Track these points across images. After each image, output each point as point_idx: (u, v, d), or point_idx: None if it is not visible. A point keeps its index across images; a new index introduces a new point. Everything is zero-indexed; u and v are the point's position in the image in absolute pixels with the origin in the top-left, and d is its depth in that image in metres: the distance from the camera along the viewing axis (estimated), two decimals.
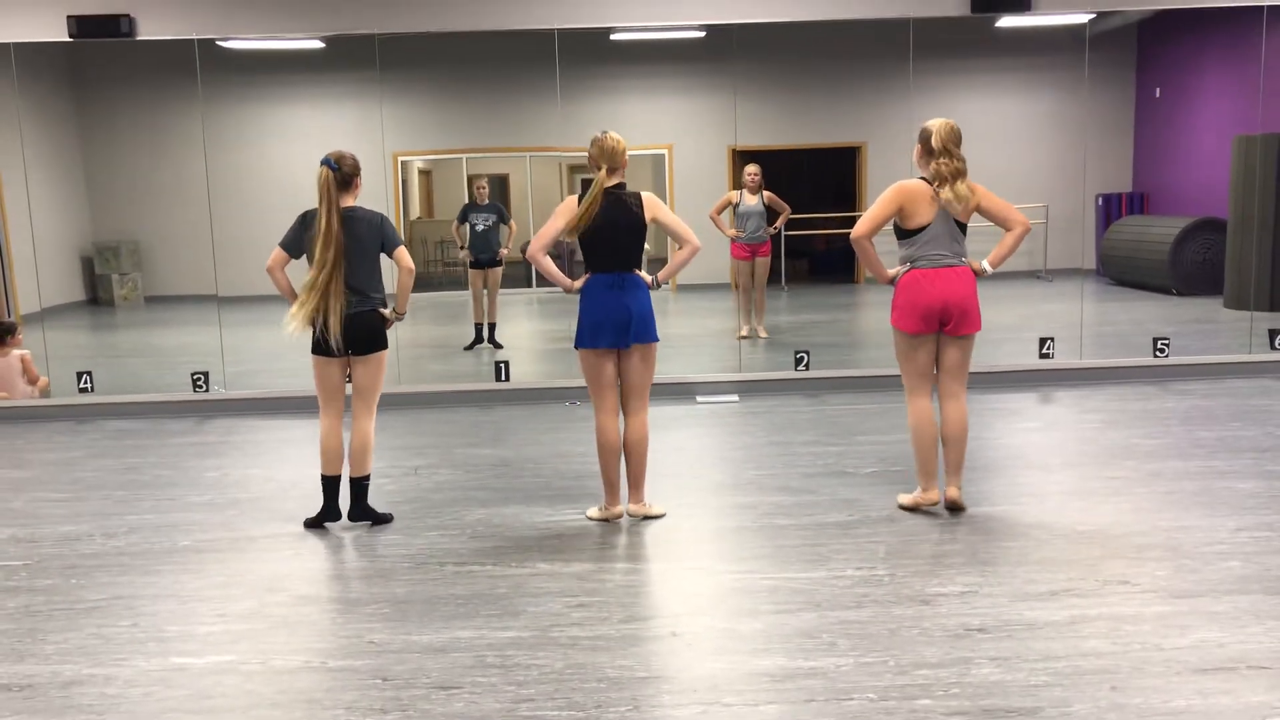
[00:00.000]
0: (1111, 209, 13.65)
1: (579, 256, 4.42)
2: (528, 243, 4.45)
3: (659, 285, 4.43)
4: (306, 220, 4.38)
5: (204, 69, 7.84)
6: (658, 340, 4.40)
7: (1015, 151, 13.56)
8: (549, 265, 4.36)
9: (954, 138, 4.22)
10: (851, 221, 4.48)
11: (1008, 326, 9.24)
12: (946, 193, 4.19)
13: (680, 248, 4.37)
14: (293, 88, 13.29)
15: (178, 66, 7.87)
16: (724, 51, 11.26)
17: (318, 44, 11.06)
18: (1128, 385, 6.92)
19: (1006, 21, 11.23)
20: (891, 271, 4.41)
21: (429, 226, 14.86)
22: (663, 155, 13.71)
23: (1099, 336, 8.71)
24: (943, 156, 4.20)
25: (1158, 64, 13.42)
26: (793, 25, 7.72)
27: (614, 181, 4.32)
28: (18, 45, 7.39)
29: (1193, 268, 11.36)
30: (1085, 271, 13.12)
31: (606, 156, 4.30)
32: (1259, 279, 9.82)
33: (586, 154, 4.36)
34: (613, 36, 12.39)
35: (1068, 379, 7.12)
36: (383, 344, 4.46)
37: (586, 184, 4.34)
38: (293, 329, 4.29)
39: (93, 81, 13.43)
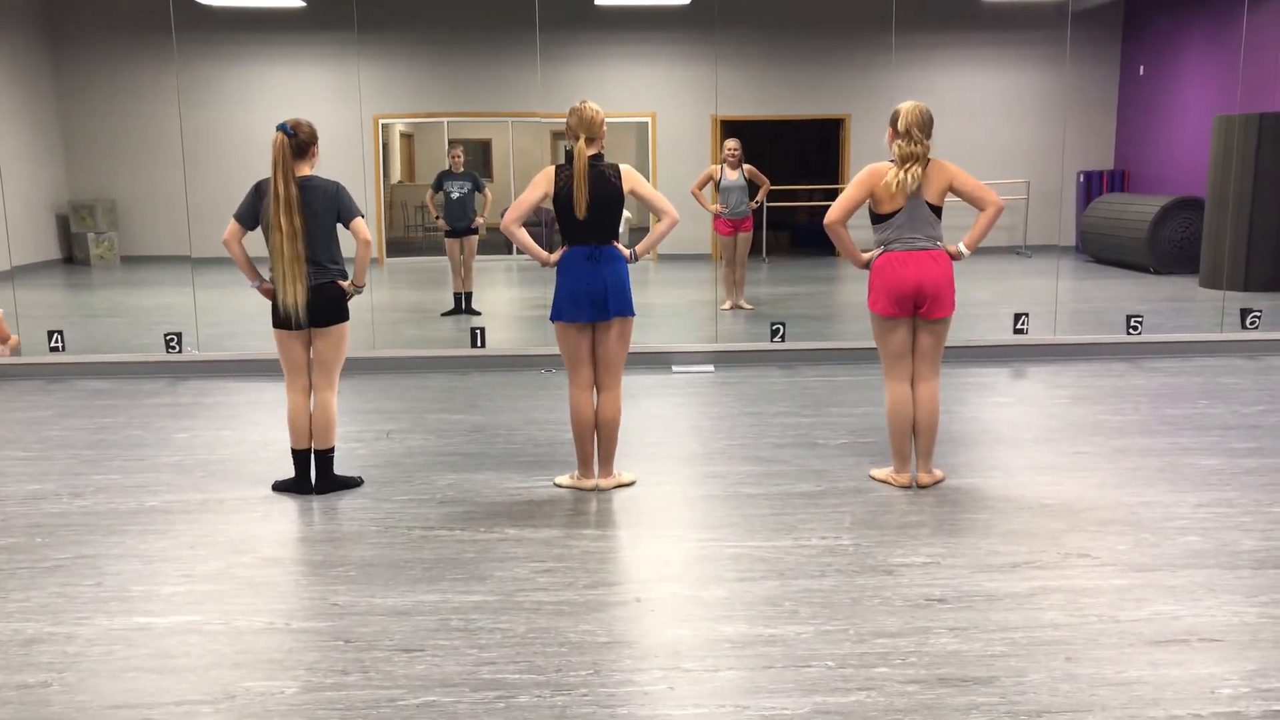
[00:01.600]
0: (1093, 186, 13.70)
1: (558, 225, 4.38)
2: (505, 210, 4.41)
3: (637, 258, 4.41)
4: (261, 189, 4.27)
5: (181, 26, 7.72)
6: (633, 314, 4.39)
7: (997, 126, 13.57)
8: (524, 237, 4.31)
9: (919, 121, 4.18)
10: (834, 195, 4.48)
11: (984, 301, 9.29)
12: (891, 176, 4.18)
13: (659, 220, 4.34)
14: (271, 47, 13.13)
15: (154, 23, 7.76)
16: (707, 20, 11.19)
17: (297, 3, 10.95)
18: (1100, 362, 6.97)
19: None
20: (866, 255, 4.41)
21: (410, 191, 14.76)
22: (645, 123, 13.64)
23: (1074, 313, 8.76)
24: (902, 138, 4.18)
25: (1143, 42, 13.41)
26: None
27: (592, 152, 4.27)
28: None
29: (1171, 246, 11.42)
30: (1064, 248, 13.18)
31: (585, 126, 4.23)
32: (1233, 259, 9.89)
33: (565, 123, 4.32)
34: (596, 2, 12.29)
35: (1041, 355, 7.17)
36: (343, 316, 4.39)
37: (568, 153, 4.29)
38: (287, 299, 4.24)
39: (69, 37, 13.23)
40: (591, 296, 4.26)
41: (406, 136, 15.51)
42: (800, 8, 13.21)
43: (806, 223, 15.75)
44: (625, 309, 4.33)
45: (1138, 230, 11.56)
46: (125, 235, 13.58)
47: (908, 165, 4.17)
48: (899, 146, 4.19)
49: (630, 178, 4.29)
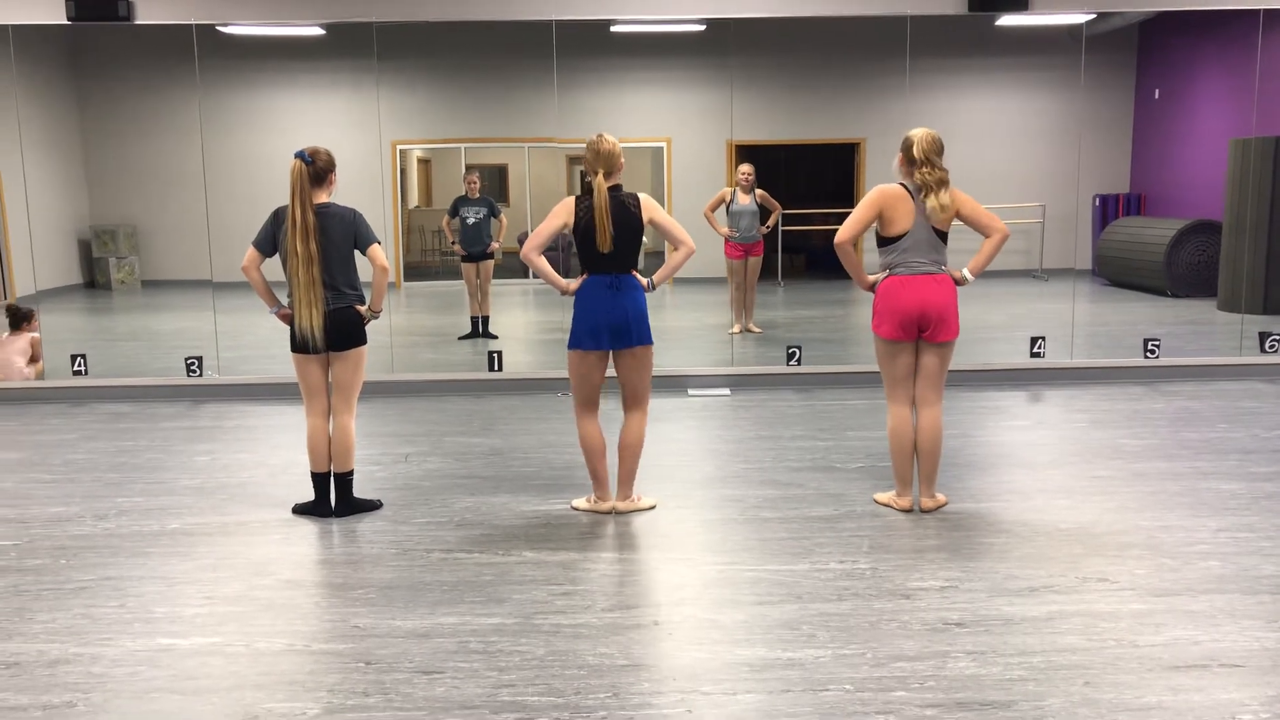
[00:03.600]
0: (1108, 209, 13.68)
1: (576, 252, 4.42)
2: (523, 234, 4.45)
3: (654, 287, 4.44)
4: (279, 217, 4.33)
5: (202, 54, 7.85)
6: (652, 342, 4.43)
7: (1012, 150, 13.58)
8: (544, 266, 4.34)
9: (935, 148, 4.23)
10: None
11: (1000, 325, 9.28)
12: (931, 201, 4.21)
13: (676, 250, 4.38)
14: (291, 75, 13.29)
15: (176, 51, 7.88)
16: (722, 46, 11.28)
17: (317, 31, 11.08)
18: (1117, 385, 6.95)
19: (1005, 20, 11.25)
20: (871, 278, 4.44)
21: (427, 215, 14.87)
22: (661, 148, 13.72)
23: (1091, 336, 8.75)
24: (925, 166, 4.22)
25: (1158, 65, 13.43)
26: (791, 20, 7.73)
27: (611, 184, 4.31)
28: (16, 27, 7.40)
29: (1188, 270, 11.39)
30: (1080, 272, 13.16)
31: (603, 160, 4.28)
32: (1252, 281, 9.86)
33: (583, 156, 4.37)
34: (612, 29, 12.40)
35: (1058, 378, 7.16)
36: (360, 340, 4.44)
37: (586, 183, 4.33)
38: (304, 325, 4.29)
39: (92, 65, 13.43)
40: (612, 325, 4.30)
41: (424, 162, 15.64)
42: (815, 32, 13.29)
43: (821, 246, 15.77)
44: (645, 337, 4.37)
45: (1154, 254, 11.54)
46: (146, 260, 13.71)
47: (937, 190, 4.20)
48: (921, 175, 4.22)
49: (649, 207, 4.33)
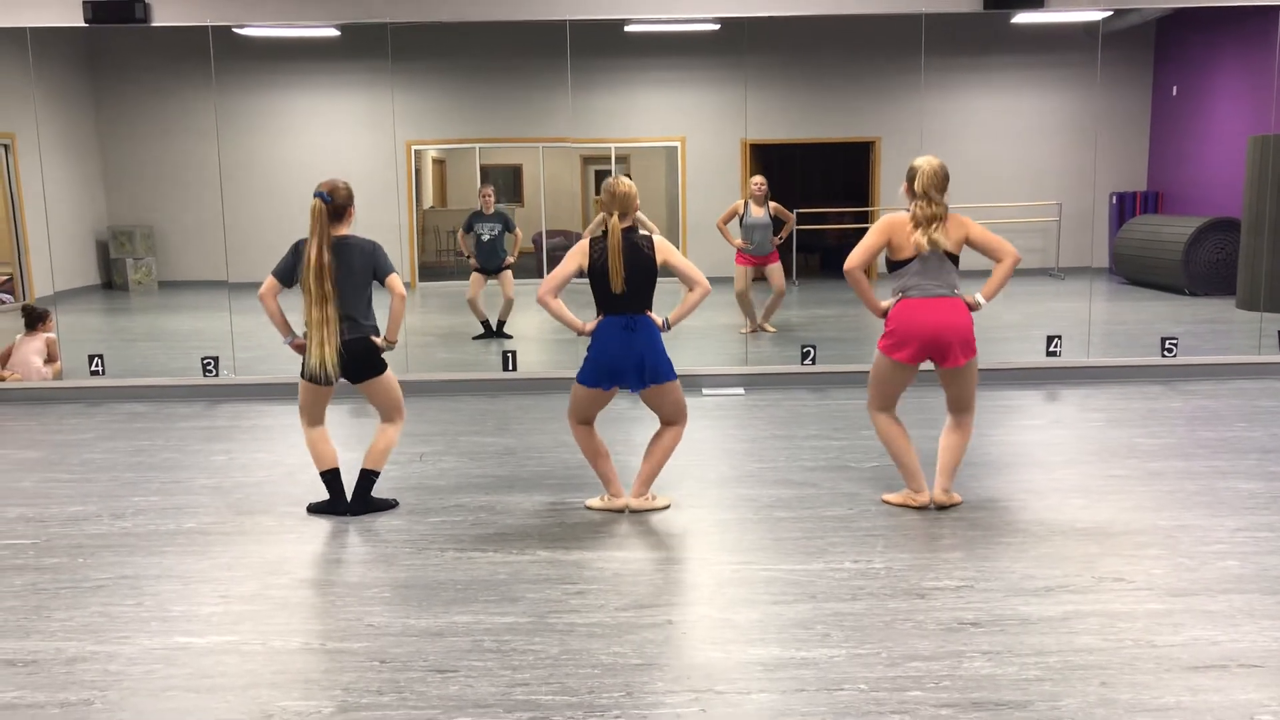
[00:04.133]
0: (1126, 207, 13.60)
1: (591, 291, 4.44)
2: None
3: (670, 327, 4.44)
4: (299, 249, 4.36)
5: (218, 56, 7.89)
6: (675, 379, 4.44)
7: (1029, 148, 13.51)
8: (559, 308, 4.35)
9: (936, 182, 4.21)
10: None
11: (1016, 324, 9.24)
12: (919, 237, 4.22)
13: (691, 290, 4.38)
14: (306, 76, 13.33)
15: (193, 53, 7.93)
16: (737, 44, 11.26)
17: (331, 32, 11.12)
18: (1134, 384, 6.91)
19: (1021, 18, 11.20)
20: (884, 304, 4.43)
21: (441, 216, 14.89)
22: (675, 148, 13.71)
23: (1108, 335, 8.69)
24: (921, 199, 4.22)
25: (1175, 62, 13.34)
26: (806, 19, 7.72)
27: (625, 225, 4.33)
28: (34, 30, 7.45)
29: (1206, 268, 11.31)
30: (1097, 270, 13.09)
31: (618, 202, 4.31)
32: (1271, 279, 9.78)
33: (598, 199, 4.39)
34: (626, 28, 12.40)
35: (1074, 377, 7.12)
36: (380, 368, 4.48)
37: (603, 232, 4.33)
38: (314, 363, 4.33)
39: (109, 67, 13.51)
40: (627, 367, 4.34)
41: (439, 162, 15.67)
42: (829, 31, 13.25)
43: (836, 245, 15.73)
44: (665, 375, 4.39)
45: (1172, 252, 11.46)
46: (163, 261, 13.79)
47: (932, 225, 4.20)
48: (919, 208, 4.22)
49: (663, 249, 4.35)
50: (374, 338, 4.44)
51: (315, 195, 4.26)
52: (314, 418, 4.53)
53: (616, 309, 4.35)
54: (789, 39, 12.95)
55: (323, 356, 4.30)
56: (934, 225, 4.21)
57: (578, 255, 4.36)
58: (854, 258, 4.32)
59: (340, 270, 4.29)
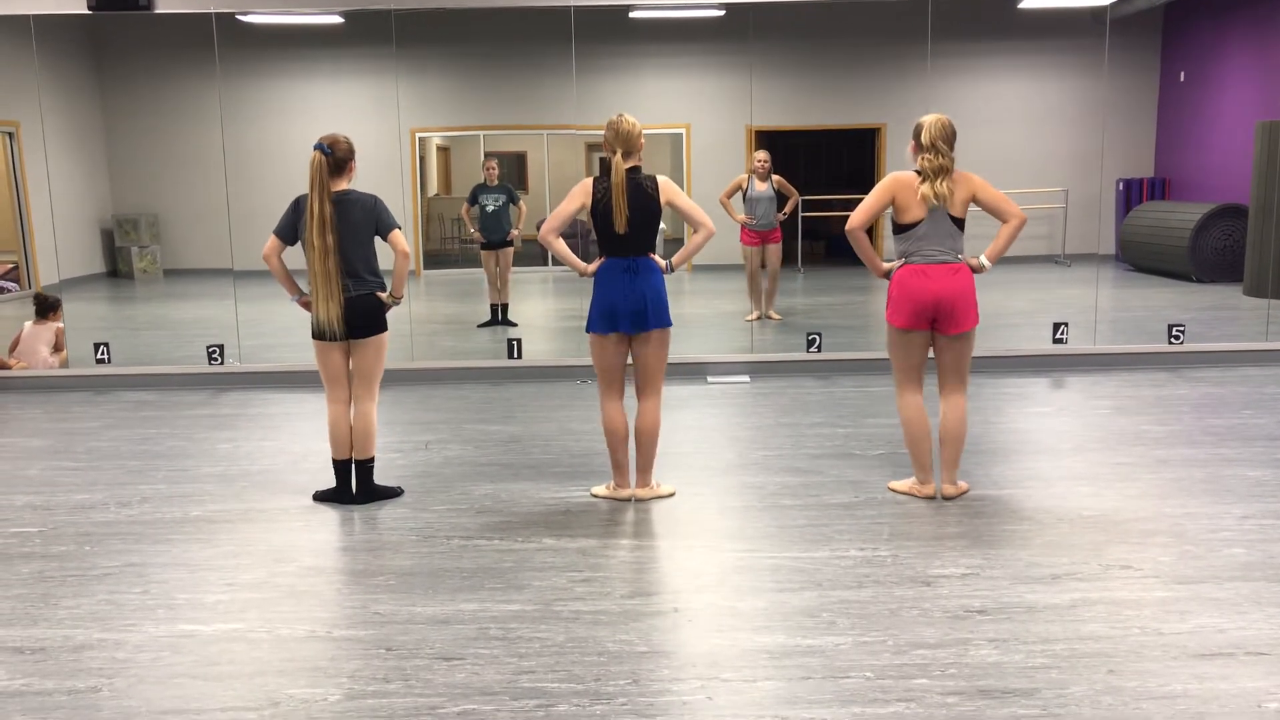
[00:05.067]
0: (1132, 194, 13.54)
1: (594, 236, 4.40)
2: (543, 221, 4.44)
3: (673, 269, 4.42)
4: (299, 206, 4.34)
5: (222, 43, 7.86)
6: (671, 325, 4.40)
7: (1035, 134, 13.45)
8: (562, 247, 4.32)
9: (944, 134, 4.17)
10: None
11: (1023, 311, 9.21)
12: (926, 188, 4.17)
13: (695, 232, 4.35)
14: (310, 63, 13.30)
15: (196, 40, 7.91)
16: (741, 31, 11.21)
17: (336, 19, 11.08)
18: (1141, 372, 6.89)
19: (1028, 3, 11.12)
20: (886, 266, 4.41)
21: (446, 203, 14.88)
22: (680, 134, 13.67)
23: (1115, 322, 8.67)
24: (928, 152, 4.18)
25: (1183, 48, 13.26)
26: (811, 5, 7.68)
27: (630, 165, 4.28)
28: (38, 17, 7.44)
29: (1213, 255, 11.27)
30: (1104, 257, 13.04)
31: (622, 140, 4.25)
32: (1279, 266, 9.74)
33: (603, 136, 4.34)
34: (631, 14, 12.35)
35: (1080, 364, 7.10)
36: (381, 327, 4.44)
37: (605, 164, 4.31)
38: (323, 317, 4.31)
39: (113, 55, 13.49)
40: (629, 309, 4.28)
41: (443, 149, 15.65)
42: (834, 17, 13.20)
43: (841, 233, 15.69)
44: (663, 320, 4.35)
45: (1179, 238, 11.42)
46: (168, 249, 13.79)
47: (938, 178, 4.16)
48: (926, 160, 4.18)
49: (667, 189, 4.30)
50: (379, 294, 4.41)
51: (315, 148, 4.24)
52: (334, 389, 4.47)
53: (618, 251, 4.31)
54: (794, 25, 12.89)
55: (328, 311, 4.28)
56: (940, 179, 4.16)
57: (580, 194, 4.29)
58: (855, 217, 4.28)
59: (341, 225, 4.26)
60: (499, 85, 13.40)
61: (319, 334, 4.39)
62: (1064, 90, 13.50)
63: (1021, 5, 11.44)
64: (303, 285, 4.46)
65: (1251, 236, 10.14)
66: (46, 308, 7.41)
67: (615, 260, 4.31)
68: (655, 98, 13.54)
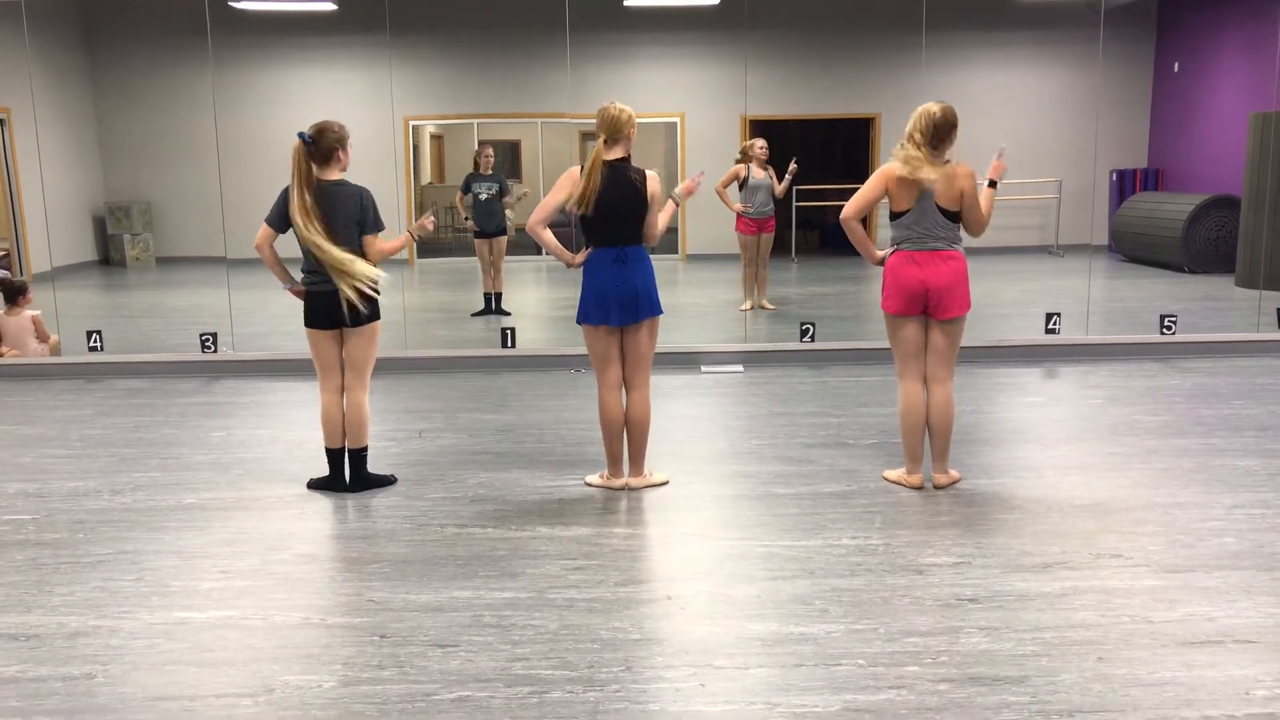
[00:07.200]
0: (1126, 184, 13.56)
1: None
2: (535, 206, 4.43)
3: (680, 202, 4.44)
4: (288, 194, 4.30)
5: (215, 30, 7.83)
6: (661, 313, 4.40)
7: (1029, 124, 13.46)
8: (549, 238, 4.31)
9: (924, 125, 4.17)
10: None
11: (1015, 301, 9.23)
12: (901, 169, 4.19)
13: (653, 223, 4.34)
14: (304, 50, 13.25)
15: (189, 26, 7.87)
16: (737, 20, 11.19)
17: (329, 6, 11.08)
18: (1133, 362, 6.92)
19: None
20: (880, 253, 4.43)
21: (439, 192, 14.84)
22: (674, 123, 13.65)
23: (1107, 313, 8.69)
24: (907, 141, 4.22)
25: (1177, 39, 13.27)
26: None
27: (615, 154, 4.25)
28: (29, 2, 7.39)
29: (1206, 245, 11.30)
30: (1096, 247, 13.07)
31: (606, 126, 4.22)
32: (1270, 257, 9.77)
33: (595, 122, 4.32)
34: (626, 3, 12.33)
35: (1073, 354, 7.12)
36: (373, 315, 4.43)
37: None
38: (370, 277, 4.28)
39: (105, 40, 13.41)
40: (620, 300, 4.28)
41: (436, 138, 15.60)
42: (830, 6, 13.18)
43: (835, 223, 15.68)
44: (654, 309, 4.35)
45: (1172, 229, 11.45)
46: (161, 237, 13.75)
47: (907, 165, 4.20)
48: (898, 148, 4.23)
49: (654, 183, 4.30)
50: (368, 288, 4.33)
51: (298, 135, 4.19)
52: (327, 378, 4.45)
53: (605, 241, 4.30)
54: (789, 14, 12.87)
55: (349, 289, 4.22)
56: (918, 167, 4.17)
57: (567, 184, 4.27)
58: (850, 207, 4.30)
59: (328, 215, 4.21)
60: (493, 73, 13.36)
61: (314, 321, 4.38)
62: (1058, 80, 13.51)
63: None
64: (295, 274, 4.45)
65: (1244, 228, 10.17)
66: (14, 292, 7.13)
67: (604, 250, 4.31)
68: (649, 86, 13.52)
